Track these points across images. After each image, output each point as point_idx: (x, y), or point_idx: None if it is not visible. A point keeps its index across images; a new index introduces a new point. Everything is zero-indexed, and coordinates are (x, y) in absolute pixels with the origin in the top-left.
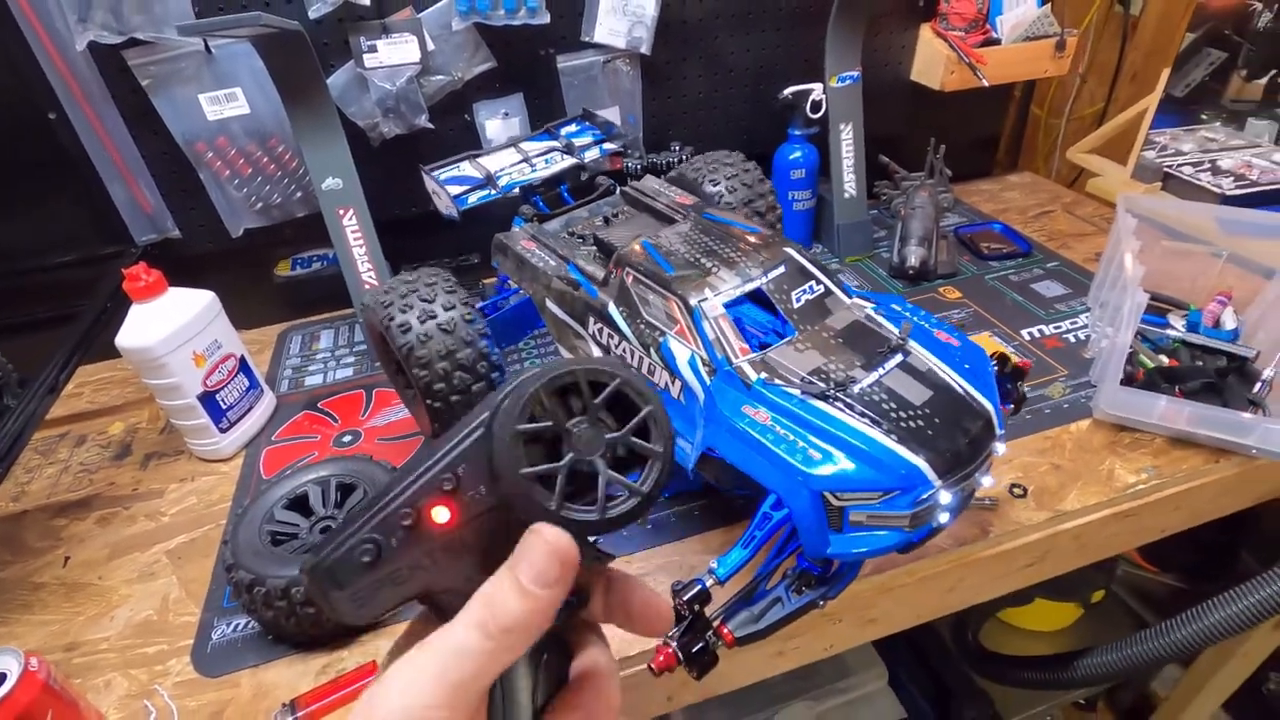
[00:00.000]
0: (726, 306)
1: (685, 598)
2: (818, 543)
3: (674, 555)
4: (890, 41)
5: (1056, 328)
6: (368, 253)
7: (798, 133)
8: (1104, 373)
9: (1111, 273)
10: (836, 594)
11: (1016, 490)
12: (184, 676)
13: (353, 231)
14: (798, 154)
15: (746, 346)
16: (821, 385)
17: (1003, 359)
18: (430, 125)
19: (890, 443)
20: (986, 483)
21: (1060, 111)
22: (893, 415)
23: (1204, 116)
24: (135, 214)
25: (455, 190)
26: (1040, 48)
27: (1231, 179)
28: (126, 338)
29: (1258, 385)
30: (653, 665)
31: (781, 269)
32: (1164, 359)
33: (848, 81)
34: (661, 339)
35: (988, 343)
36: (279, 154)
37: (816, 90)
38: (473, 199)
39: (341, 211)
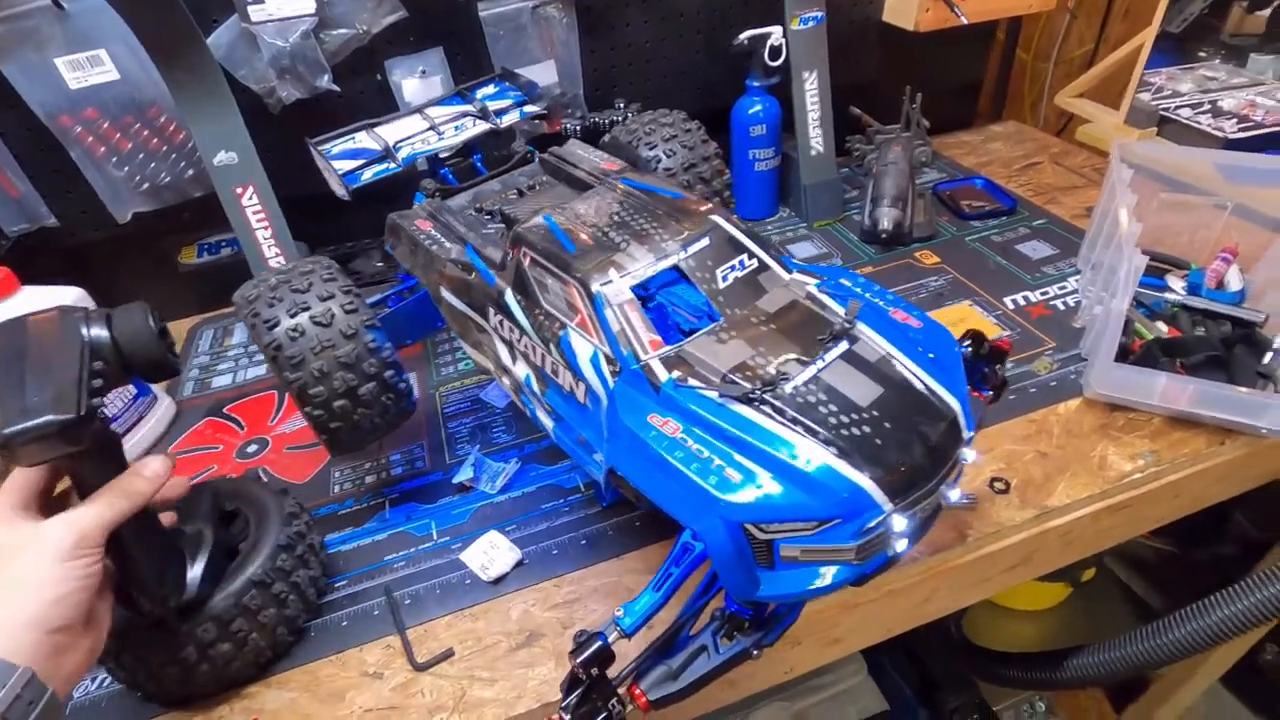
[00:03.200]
0: (641, 290)
1: (580, 659)
2: (743, 584)
3: (610, 575)
4: None
5: (1044, 294)
6: (273, 235)
7: (757, 84)
8: (1096, 347)
9: (1105, 229)
10: (774, 640)
11: (998, 485)
12: None
13: (254, 212)
14: (757, 107)
15: (658, 339)
16: (745, 385)
17: (978, 339)
18: (336, 88)
19: (829, 457)
20: (954, 497)
21: (1047, 55)
22: (832, 421)
23: (1202, 54)
24: (2, 201)
25: (346, 166)
26: None
27: (1234, 121)
28: None
29: (1268, 356)
30: None
31: (705, 242)
32: (1162, 327)
33: (811, 23)
34: (562, 332)
35: (967, 313)
36: (162, 126)
37: (775, 34)
38: (366, 175)
39: (239, 189)
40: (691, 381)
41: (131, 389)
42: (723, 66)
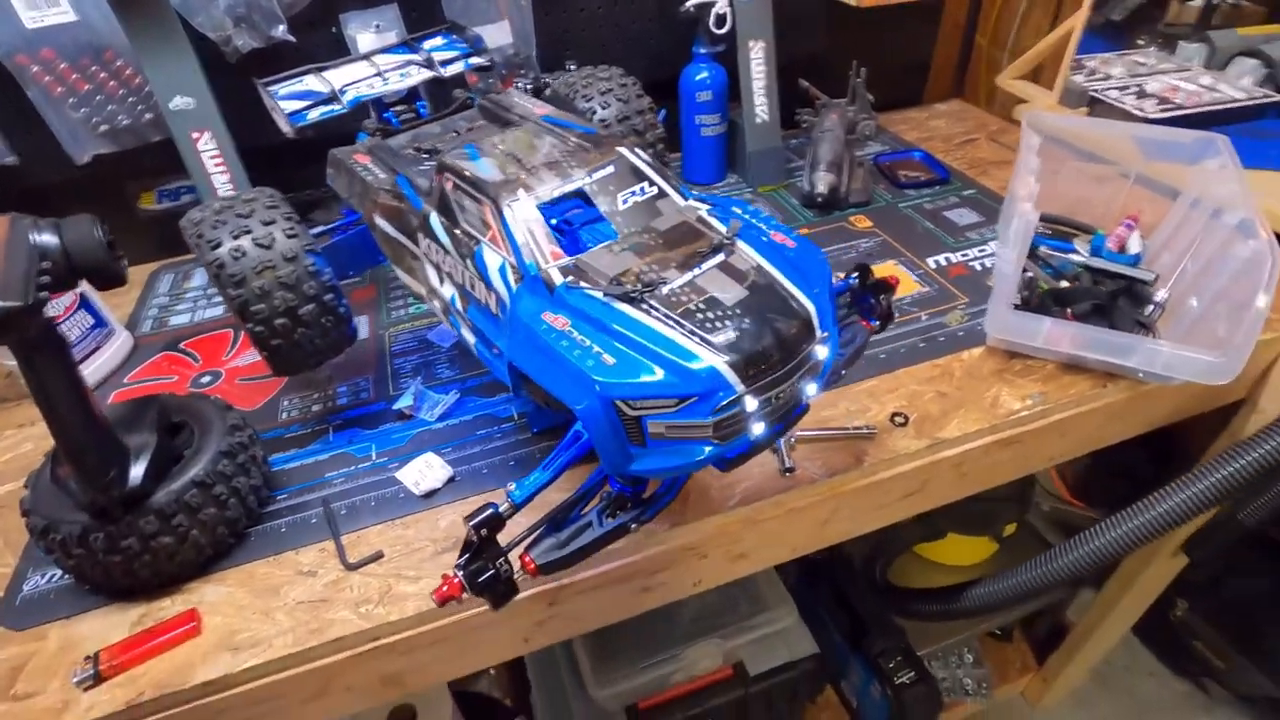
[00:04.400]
0: (551, 208)
1: (473, 522)
2: (618, 459)
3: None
4: None
5: (964, 255)
6: (230, 181)
7: (703, 51)
8: (993, 296)
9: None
10: (651, 516)
11: (898, 419)
12: None
13: (211, 157)
14: (704, 74)
15: (559, 251)
16: (627, 287)
17: (864, 270)
18: (291, 38)
19: (688, 343)
20: (810, 390)
21: (1004, 41)
22: (698, 316)
23: (1140, 41)
24: None
25: (293, 106)
26: None
27: (1155, 101)
28: None
29: (1149, 308)
30: (434, 596)
31: (609, 169)
32: (1064, 284)
33: None
34: (477, 247)
35: (891, 270)
36: (118, 69)
37: (720, 2)
38: (313, 115)
39: (195, 135)
40: (582, 284)
41: (89, 318)
42: (674, 35)
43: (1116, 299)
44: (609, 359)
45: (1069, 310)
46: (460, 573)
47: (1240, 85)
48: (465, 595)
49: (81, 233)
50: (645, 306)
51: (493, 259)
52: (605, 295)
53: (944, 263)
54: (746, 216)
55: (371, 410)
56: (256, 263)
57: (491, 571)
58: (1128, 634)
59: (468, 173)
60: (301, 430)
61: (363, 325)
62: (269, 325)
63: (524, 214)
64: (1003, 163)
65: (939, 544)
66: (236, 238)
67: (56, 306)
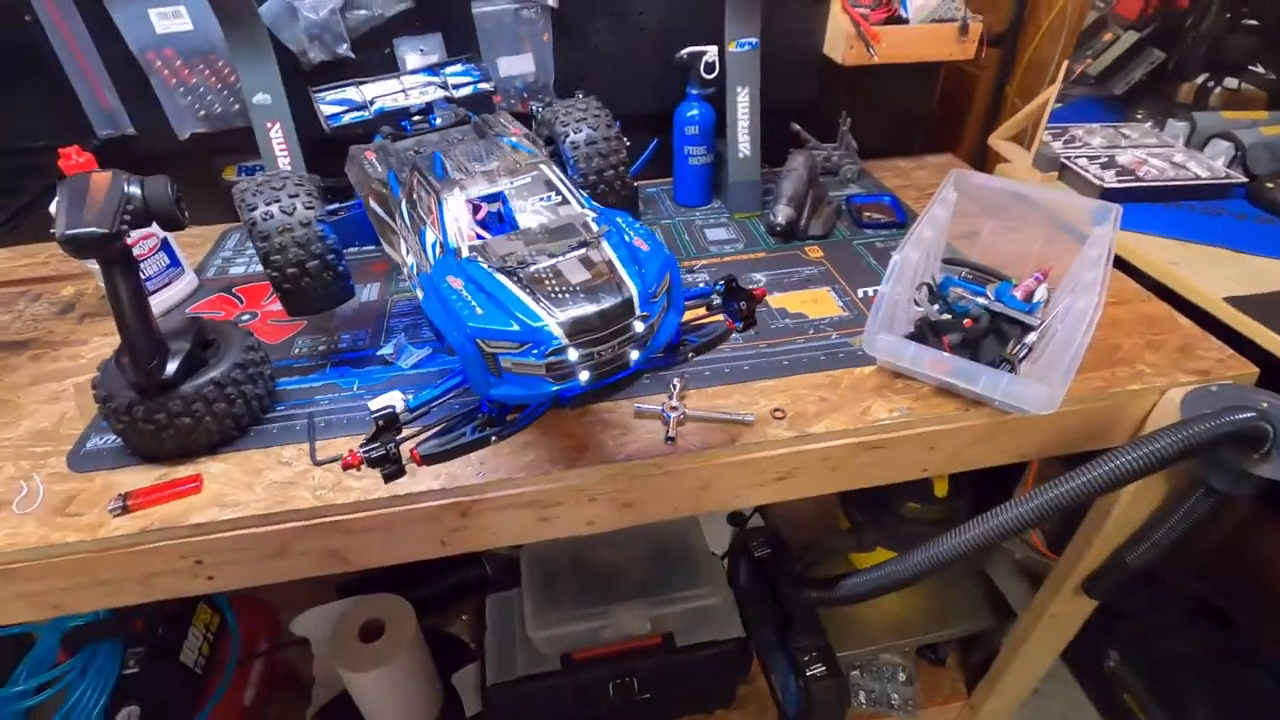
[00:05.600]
0: (496, 215)
1: (373, 414)
2: (481, 385)
3: None
4: (805, 13)
5: None
6: (290, 163)
7: (695, 92)
8: (870, 318)
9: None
10: (509, 434)
11: (777, 414)
12: (56, 470)
13: (278, 144)
14: (694, 111)
15: (473, 234)
16: (508, 263)
17: (729, 280)
18: (352, 55)
19: (532, 304)
20: (633, 356)
21: (1031, 93)
22: (548, 287)
23: (1139, 115)
24: (97, 111)
25: (333, 110)
26: (943, 30)
27: (1116, 172)
28: (53, 205)
29: (1010, 343)
30: (341, 462)
31: (527, 179)
32: (961, 320)
33: (746, 47)
34: (423, 227)
35: (820, 295)
36: (219, 68)
37: (710, 53)
38: (346, 118)
39: (269, 124)
40: (479, 258)
41: (166, 259)
42: (674, 73)
43: (984, 336)
44: (479, 310)
45: (945, 339)
46: (361, 450)
47: (1208, 165)
48: (364, 467)
49: (157, 188)
50: (516, 278)
51: (430, 236)
52: (489, 267)
53: (870, 294)
54: (622, 224)
55: (362, 355)
56: (279, 225)
57: (383, 452)
58: (1070, 680)
59: (426, 173)
60: (307, 363)
61: (374, 290)
62: (283, 273)
63: (456, 206)
64: (961, 214)
65: (869, 555)
66: (268, 205)
67: (142, 247)
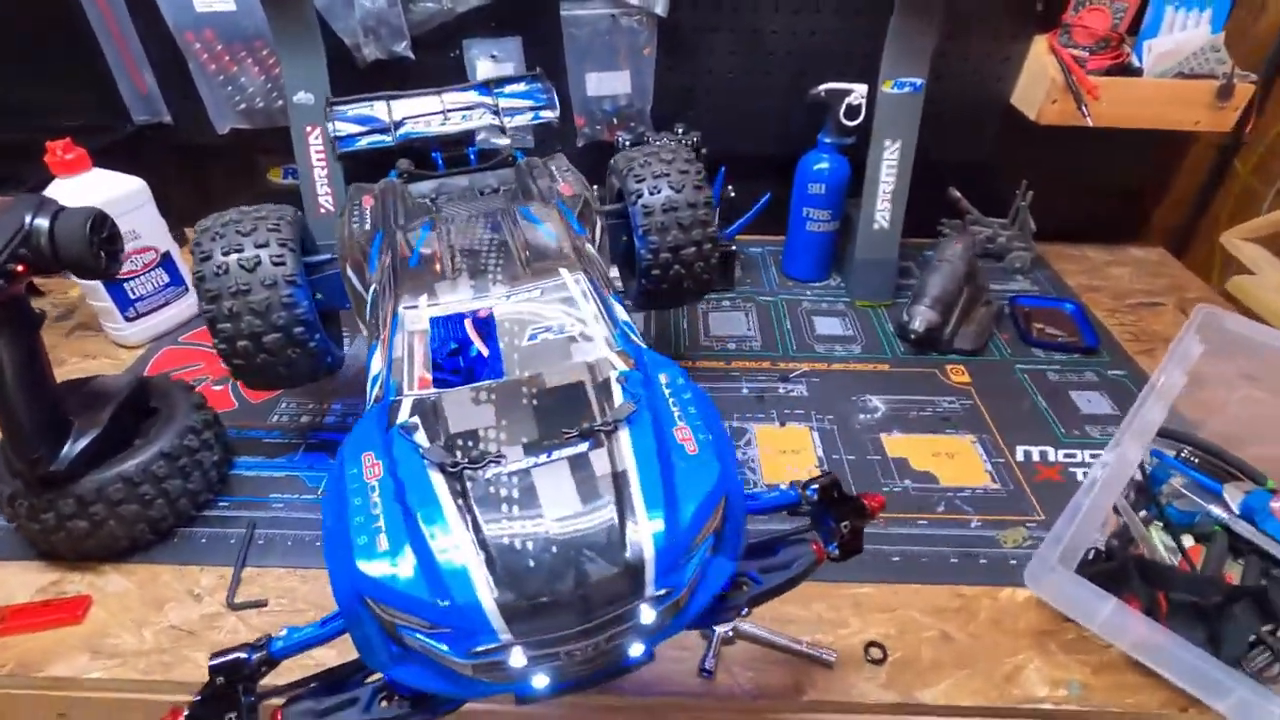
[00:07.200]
0: (446, 323)
1: (212, 664)
2: (375, 657)
3: None
4: (991, 50)
5: (1068, 455)
6: (328, 176)
7: (828, 140)
8: (1051, 534)
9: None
10: None
11: (873, 651)
12: None
13: (316, 151)
14: (823, 165)
15: (429, 378)
16: (450, 456)
17: (830, 484)
18: (410, 55)
19: (469, 559)
20: (635, 651)
21: (1272, 173)
22: (504, 523)
23: None
24: (133, 95)
25: (349, 130)
26: (1192, 89)
27: None
28: None
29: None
30: None
31: (534, 293)
32: (1188, 542)
33: (906, 89)
34: (374, 342)
35: (960, 448)
36: (263, 58)
37: (857, 92)
38: (361, 143)
39: (309, 129)
40: (417, 434)
41: (165, 276)
42: (806, 113)
43: (1237, 600)
44: (383, 541)
45: (1161, 594)
46: (185, 712)
47: None
48: None
49: (70, 226)
50: (456, 486)
51: (376, 364)
52: (426, 456)
53: (1037, 457)
54: (667, 392)
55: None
56: (234, 284)
57: None
58: None
59: (402, 259)
60: (280, 439)
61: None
62: (231, 345)
63: (413, 324)
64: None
65: None
66: (225, 254)
67: (135, 262)
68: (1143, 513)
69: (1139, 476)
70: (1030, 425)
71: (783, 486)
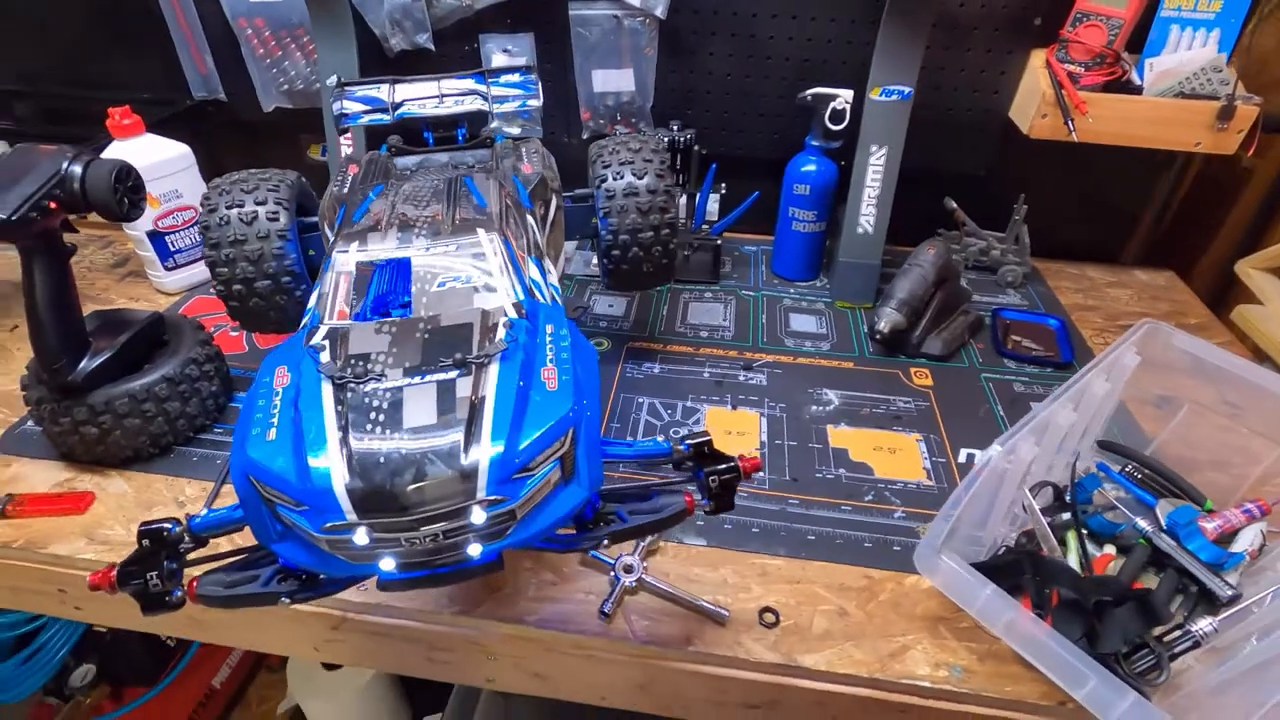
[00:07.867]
0: (384, 269)
1: (141, 528)
2: (262, 533)
3: None
4: (990, 64)
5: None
6: (353, 150)
7: (815, 143)
8: (940, 520)
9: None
10: (306, 599)
11: (767, 616)
12: None
13: (345, 134)
14: (809, 167)
15: (346, 311)
16: (341, 371)
17: (701, 441)
18: (432, 47)
19: (331, 452)
20: (473, 551)
21: None
22: (367, 427)
23: None
24: (194, 73)
25: (354, 108)
26: (1191, 110)
27: None
28: None
29: (1173, 634)
30: (90, 577)
31: (449, 247)
32: (1107, 549)
33: (894, 96)
34: (316, 284)
35: (903, 444)
36: (305, 44)
37: (842, 97)
38: (364, 120)
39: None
40: (323, 354)
41: None
42: (802, 117)
43: (1121, 604)
44: (271, 434)
45: (1051, 590)
46: (114, 572)
47: None
48: (117, 591)
49: (99, 174)
50: (341, 397)
51: (311, 300)
52: (323, 370)
53: (979, 460)
54: (549, 340)
55: None
56: (233, 234)
57: (140, 581)
58: None
59: (348, 216)
60: None
61: None
62: (228, 287)
63: (342, 265)
64: (1156, 368)
65: None
66: (228, 208)
67: (176, 219)
68: (1064, 516)
69: (1060, 487)
70: (981, 430)
71: (658, 439)
